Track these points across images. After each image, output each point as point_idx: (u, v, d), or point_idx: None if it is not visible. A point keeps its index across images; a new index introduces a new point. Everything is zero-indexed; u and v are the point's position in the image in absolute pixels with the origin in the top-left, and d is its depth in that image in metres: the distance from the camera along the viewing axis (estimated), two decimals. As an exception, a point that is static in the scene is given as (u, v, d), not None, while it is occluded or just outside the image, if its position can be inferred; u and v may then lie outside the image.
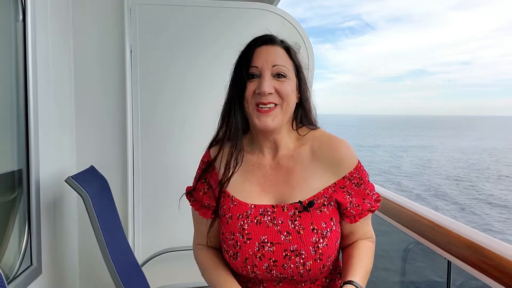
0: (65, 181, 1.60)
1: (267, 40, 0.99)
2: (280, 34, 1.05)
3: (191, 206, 1.11)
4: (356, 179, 0.98)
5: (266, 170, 1.01)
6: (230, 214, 0.99)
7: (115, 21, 2.07)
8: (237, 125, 1.00)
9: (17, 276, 1.46)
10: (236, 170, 1.00)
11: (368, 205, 1.00)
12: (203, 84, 2.14)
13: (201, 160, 1.10)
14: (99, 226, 1.59)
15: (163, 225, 2.17)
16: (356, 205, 0.98)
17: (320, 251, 0.91)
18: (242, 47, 1.03)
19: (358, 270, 0.95)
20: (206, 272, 1.04)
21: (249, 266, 0.93)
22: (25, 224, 1.55)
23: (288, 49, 1.01)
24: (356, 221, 0.98)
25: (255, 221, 0.95)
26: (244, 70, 0.96)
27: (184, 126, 2.15)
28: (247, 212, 0.97)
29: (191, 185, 1.12)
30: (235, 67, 1.01)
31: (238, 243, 0.94)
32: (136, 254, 2.04)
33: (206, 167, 1.06)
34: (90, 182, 1.72)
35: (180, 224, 1.97)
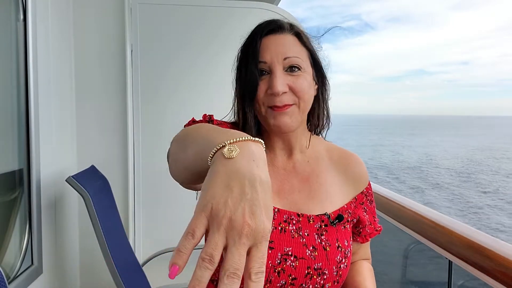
0: (65, 180, 1.61)
1: (274, 28, 0.84)
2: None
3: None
4: (370, 196, 0.93)
5: (279, 172, 0.88)
6: None
7: (115, 20, 2.07)
8: (253, 124, 0.86)
9: (18, 276, 1.46)
10: None
11: (377, 224, 0.94)
12: (203, 83, 2.13)
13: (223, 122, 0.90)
14: (99, 225, 1.59)
15: (164, 225, 2.18)
16: (370, 223, 0.91)
17: (340, 273, 0.80)
18: (245, 36, 0.87)
19: None
20: (190, 135, 0.65)
21: None
22: (26, 223, 1.56)
23: (299, 35, 0.85)
24: (367, 240, 0.92)
25: (280, 228, 0.80)
26: (254, 66, 0.81)
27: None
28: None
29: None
30: (240, 62, 0.87)
31: None
32: (136, 254, 2.05)
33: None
34: (90, 182, 1.73)
35: (181, 224, 1.97)
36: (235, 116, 0.90)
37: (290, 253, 0.78)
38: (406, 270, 2.13)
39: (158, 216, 2.17)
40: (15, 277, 1.44)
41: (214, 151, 0.46)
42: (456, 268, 1.44)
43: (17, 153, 1.55)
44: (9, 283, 1.39)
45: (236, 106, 0.89)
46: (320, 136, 0.97)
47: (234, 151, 0.44)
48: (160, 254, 2.14)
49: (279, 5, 2.66)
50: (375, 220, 0.93)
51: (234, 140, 0.46)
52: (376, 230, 0.93)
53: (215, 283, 0.84)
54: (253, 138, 0.47)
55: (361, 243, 0.93)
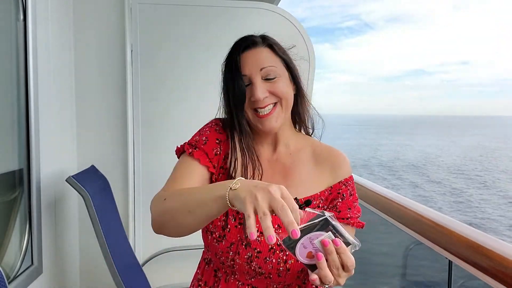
0: (65, 180, 1.61)
1: (249, 44, 0.97)
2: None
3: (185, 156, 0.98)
4: (351, 188, 0.99)
5: (263, 163, 1.00)
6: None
7: (115, 20, 2.07)
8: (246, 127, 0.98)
9: (18, 276, 1.46)
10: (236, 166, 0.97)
11: (355, 217, 0.97)
12: (203, 83, 2.13)
13: (212, 127, 1.02)
14: (99, 225, 1.59)
15: (164, 225, 2.17)
16: (339, 211, 0.96)
17: None
18: (225, 55, 1.01)
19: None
20: (174, 197, 0.84)
21: (231, 252, 0.91)
22: (26, 223, 1.56)
23: (272, 46, 0.98)
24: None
25: None
26: (240, 80, 0.94)
27: (185, 125, 2.14)
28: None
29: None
30: (226, 76, 0.99)
31: (229, 226, 0.92)
32: (136, 254, 2.04)
33: (219, 141, 1.00)
34: (90, 182, 1.73)
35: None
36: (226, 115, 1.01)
37: (257, 229, 0.83)
38: (406, 270, 2.13)
39: (158, 216, 2.17)
40: (15, 277, 1.44)
41: (227, 192, 0.70)
42: (456, 268, 1.44)
43: (17, 153, 1.55)
44: (9, 283, 1.39)
45: (226, 114, 1.02)
46: (313, 136, 1.08)
47: (237, 185, 0.70)
48: (160, 254, 2.14)
49: (279, 5, 2.66)
50: (348, 210, 0.96)
51: (232, 183, 0.70)
52: (343, 219, 0.95)
53: (206, 260, 1.02)
54: (236, 180, 0.71)
55: None
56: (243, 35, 1.00)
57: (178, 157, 1.01)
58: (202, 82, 2.14)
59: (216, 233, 0.93)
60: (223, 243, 0.92)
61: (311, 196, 0.96)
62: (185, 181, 0.93)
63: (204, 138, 0.99)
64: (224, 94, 1.01)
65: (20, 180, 1.56)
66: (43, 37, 1.66)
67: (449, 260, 1.37)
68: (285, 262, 0.89)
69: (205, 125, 1.05)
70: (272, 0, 2.60)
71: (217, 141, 0.99)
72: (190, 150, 0.97)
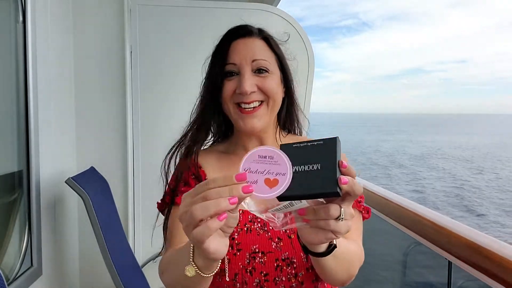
0: (65, 182, 1.61)
1: (244, 33, 0.88)
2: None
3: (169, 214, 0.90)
4: None
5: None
6: None
7: (115, 21, 2.07)
8: (207, 130, 0.94)
9: (18, 277, 1.46)
10: None
11: (357, 201, 0.88)
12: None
13: (180, 170, 0.92)
14: (99, 227, 1.59)
15: (164, 226, 2.17)
16: None
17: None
18: (216, 41, 0.92)
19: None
20: (166, 271, 0.76)
21: (238, 284, 0.80)
22: (25, 225, 1.55)
23: (267, 40, 0.90)
24: None
25: (245, 229, 0.83)
26: (218, 68, 0.86)
27: (185, 126, 2.15)
28: None
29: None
30: (209, 64, 0.92)
31: (227, 257, 0.81)
32: (136, 255, 2.04)
33: (196, 175, 0.90)
34: (90, 183, 1.73)
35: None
36: (188, 127, 0.96)
37: (257, 250, 0.81)
38: (405, 270, 2.13)
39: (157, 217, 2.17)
40: (14, 279, 1.44)
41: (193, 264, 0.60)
42: (455, 268, 1.44)
43: (17, 155, 1.55)
44: (8, 285, 1.38)
45: (197, 109, 0.95)
46: (304, 135, 1.01)
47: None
48: (160, 256, 2.13)
49: (278, 6, 2.66)
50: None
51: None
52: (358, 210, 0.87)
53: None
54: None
55: None
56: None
57: (163, 214, 0.91)
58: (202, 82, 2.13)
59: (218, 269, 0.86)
60: (226, 277, 0.81)
61: None
62: (177, 240, 0.83)
63: (180, 179, 0.90)
64: (203, 84, 0.94)
65: (19, 182, 1.56)
66: (43, 39, 1.66)
67: (449, 261, 1.37)
68: (296, 276, 0.81)
69: (175, 170, 0.93)
70: (271, 1, 2.60)
71: (193, 176, 0.90)
72: (170, 198, 0.89)
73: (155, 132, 2.15)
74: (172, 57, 2.14)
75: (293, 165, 0.51)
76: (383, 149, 29.70)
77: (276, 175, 0.50)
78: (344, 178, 0.50)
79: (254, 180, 0.50)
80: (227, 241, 0.56)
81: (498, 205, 13.09)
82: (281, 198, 0.51)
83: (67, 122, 2.01)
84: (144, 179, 2.13)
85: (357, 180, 0.53)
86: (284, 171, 0.50)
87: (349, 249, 0.75)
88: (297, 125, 1.00)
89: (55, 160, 1.80)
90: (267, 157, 0.51)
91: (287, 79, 0.91)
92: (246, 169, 0.51)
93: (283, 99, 0.91)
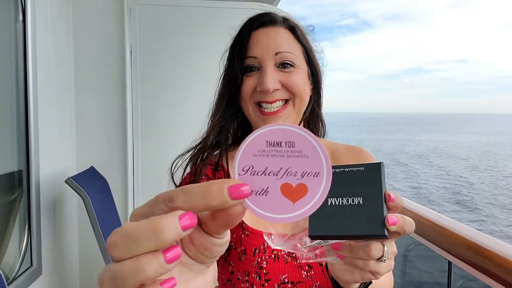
0: (65, 181, 1.61)
1: (266, 21, 0.77)
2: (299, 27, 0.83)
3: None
4: None
5: None
6: (243, 248, 0.73)
7: (115, 21, 2.07)
8: (228, 132, 0.81)
9: (17, 277, 1.46)
10: None
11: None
12: (203, 85, 2.13)
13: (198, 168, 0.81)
14: (99, 226, 1.59)
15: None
16: None
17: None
18: (235, 31, 0.81)
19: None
20: None
21: None
22: (25, 225, 1.55)
23: (293, 29, 0.78)
24: None
25: (273, 256, 0.72)
26: (237, 62, 0.75)
27: (184, 126, 2.15)
28: (264, 244, 0.73)
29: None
30: (228, 58, 0.81)
31: (254, 287, 0.70)
32: (136, 255, 2.04)
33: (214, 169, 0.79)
34: (90, 183, 1.73)
35: None
36: (208, 130, 0.81)
37: (286, 280, 0.71)
38: (405, 270, 2.13)
39: (157, 217, 2.17)
40: (14, 278, 1.44)
41: None
42: (455, 268, 1.44)
43: (17, 154, 1.55)
44: (8, 284, 1.38)
45: (214, 110, 0.80)
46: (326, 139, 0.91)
47: None
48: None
49: (278, 6, 2.66)
50: None
51: None
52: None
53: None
54: None
55: None
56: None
57: None
58: (202, 83, 2.13)
59: None
60: None
61: None
62: None
63: (200, 173, 0.80)
64: (221, 81, 0.82)
65: (19, 181, 1.56)
66: (43, 38, 1.66)
67: (449, 261, 1.37)
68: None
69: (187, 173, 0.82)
70: (272, 1, 2.60)
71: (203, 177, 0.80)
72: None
73: (155, 132, 2.15)
74: (172, 56, 2.14)
75: (328, 196, 0.29)
76: (383, 148, 30.38)
77: (302, 176, 0.28)
78: (392, 218, 0.42)
79: (261, 189, 0.28)
80: (208, 276, 0.33)
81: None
82: (314, 237, 0.43)
83: (67, 122, 2.01)
84: (144, 178, 2.13)
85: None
86: (317, 168, 0.28)
87: (383, 282, 0.67)
88: (322, 127, 0.88)
89: (55, 160, 1.80)
90: (283, 144, 0.29)
91: (315, 75, 0.79)
92: (246, 169, 0.29)
93: (310, 97, 0.79)
